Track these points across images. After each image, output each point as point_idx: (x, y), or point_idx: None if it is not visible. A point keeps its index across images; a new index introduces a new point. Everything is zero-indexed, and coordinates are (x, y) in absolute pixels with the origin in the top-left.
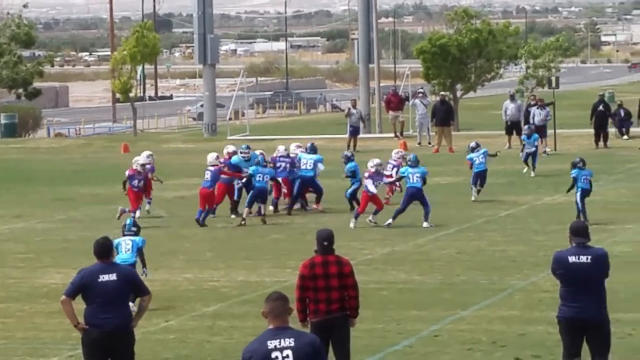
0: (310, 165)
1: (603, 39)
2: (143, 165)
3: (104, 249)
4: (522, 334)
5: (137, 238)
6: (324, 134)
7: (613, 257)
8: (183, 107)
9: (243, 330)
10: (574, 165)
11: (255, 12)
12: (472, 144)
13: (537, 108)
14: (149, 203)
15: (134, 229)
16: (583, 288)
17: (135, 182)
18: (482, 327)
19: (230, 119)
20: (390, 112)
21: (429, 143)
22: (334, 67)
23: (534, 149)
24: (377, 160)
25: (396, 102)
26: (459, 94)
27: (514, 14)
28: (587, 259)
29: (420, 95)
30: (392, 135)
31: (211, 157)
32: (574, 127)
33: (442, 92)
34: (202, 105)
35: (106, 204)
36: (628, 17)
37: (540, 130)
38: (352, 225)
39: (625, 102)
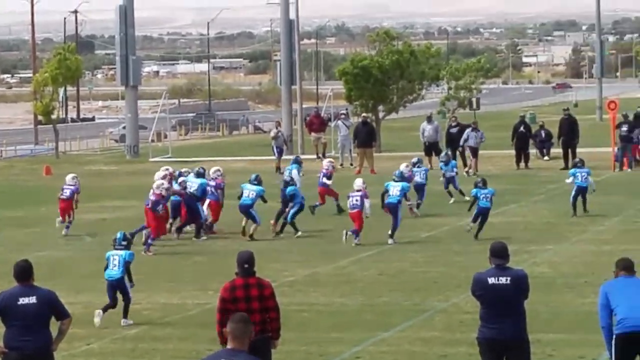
0: (251, 195)
1: (524, 60)
2: (168, 188)
3: (24, 271)
4: (443, 355)
5: (124, 252)
6: (247, 155)
7: (533, 278)
8: (105, 129)
9: (165, 353)
10: (475, 185)
11: (178, 34)
12: (414, 160)
13: (472, 130)
14: (68, 227)
15: (124, 243)
16: (503, 309)
17: (160, 207)
18: (403, 348)
19: (152, 140)
20: (313, 134)
21: (351, 164)
22: (256, 89)
23: (453, 174)
24: (360, 181)
25: (318, 123)
26: (380, 115)
27: (436, 35)
28: (506, 280)
29: (343, 116)
30: (314, 156)
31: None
32: (496, 148)
33: (364, 114)
34: (124, 127)
35: (28, 227)
36: (549, 38)
37: (474, 152)
38: (356, 242)
39: (546, 123)
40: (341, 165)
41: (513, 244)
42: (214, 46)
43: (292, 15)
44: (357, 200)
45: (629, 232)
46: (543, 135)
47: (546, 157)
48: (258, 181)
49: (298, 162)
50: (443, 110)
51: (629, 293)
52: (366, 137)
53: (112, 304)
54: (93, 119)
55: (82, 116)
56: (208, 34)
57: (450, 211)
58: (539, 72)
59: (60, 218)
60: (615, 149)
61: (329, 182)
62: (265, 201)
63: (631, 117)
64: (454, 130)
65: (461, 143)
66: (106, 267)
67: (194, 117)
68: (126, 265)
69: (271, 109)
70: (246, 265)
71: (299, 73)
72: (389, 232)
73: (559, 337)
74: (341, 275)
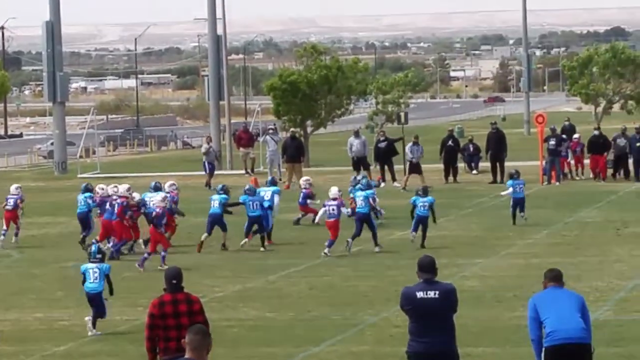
0: (215, 205)
1: (452, 74)
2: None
3: None
4: None
5: (103, 265)
6: (176, 171)
7: (463, 291)
8: (33, 146)
9: None
10: (416, 193)
11: (105, 50)
12: (358, 177)
13: (413, 144)
14: (17, 234)
15: (98, 255)
16: (431, 323)
17: (130, 212)
18: None
19: (80, 156)
20: (241, 149)
21: (280, 179)
22: (184, 104)
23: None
24: (336, 189)
25: (247, 138)
26: (309, 130)
27: (364, 50)
28: (434, 294)
29: (271, 131)
30: (243, 171)
31: (122, 188)
32: (424, 162)
33: (292, 129)
34: (52, 144)
35: None
36: (476, 52)
37: (416, 166)
38: (326, 251)
39: (474, 137)
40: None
41: (442, 257)
42: (142, 62)
43: (219, 31)
44: (333, 210)
45: (557, 246)
46: (471, 149)
47: (475, 171)
48: (224, 191)
49: (275, 183)
50: (371, 124)
51: (558, 305)
52: (294, 152)
53: (100, 314)
54: (21, 135)
55: (9, 133)
56: (136, 50)
57: (380, 226)
58: (466, 86)
59: (5, 228)
60: (543, 162)
61: (310, 200)
62: (229, 212)
63: (559, 131)
64: (382, 144)
65: (408, 158)
66: (84, 281)
67: (122, 133)
68: (107, 278)
69: (200, 124)
70: (174, 281)
71: (227, 88)
72: (373, 241)
73: (488, 351)
74: (271, 290)
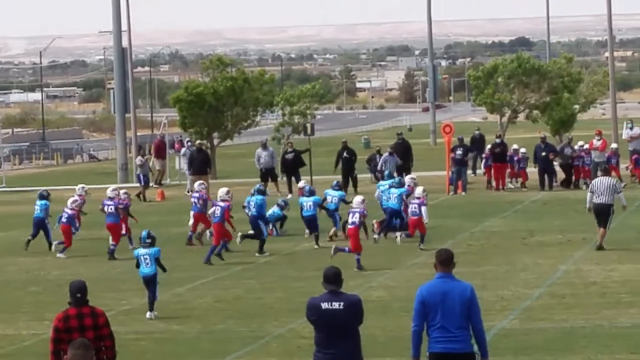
0: (310, 207)
1: (358, 85)
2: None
3: None
4: None
5: (152, 249)
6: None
7: (370, 302)
8: None
9: None
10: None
11: (10, 63)
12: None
13: (389, 154)
14: None
15: (148, 240)
16: (337, 334)
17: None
18: None
19: None
20: (159, 160)
21: (189, 191)
22: (90, 117)
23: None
24: (360, 198)
25: (164, 149)
26: (215, 142)
27: (270, 62)
28: (339, 305)
29: (189, 144)
30: (153, 182)
31: (221, 192)
32: (332, 173)
33: (198, 141)
34: None
35: None
36: (382, 63)
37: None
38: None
39: (381, 148)
40: (189, 191)
41: (349, 268)
42: (47, 75)
43: (124, 44)
44: (356, 218)
45: (464, 255)
46: (378, 159)
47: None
48: (260, 192)
49: (263, 192)
50: (278, 136)
51: (444, 306)
52: (201, 164)
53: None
54: None
55: None
56: (41, 63)
57: (286, 237)
58: (373, 97)
59: None
60: (450, 172)
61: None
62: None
63: (467, 141)
64: (289, 156)
65: (378, 168)
66: (138, 265)
67: (28, 147)
68: (157, 262)
69: (106, 137)
70: (79, 295)
71: (133, 101)
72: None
73: None
74: (178, 303)
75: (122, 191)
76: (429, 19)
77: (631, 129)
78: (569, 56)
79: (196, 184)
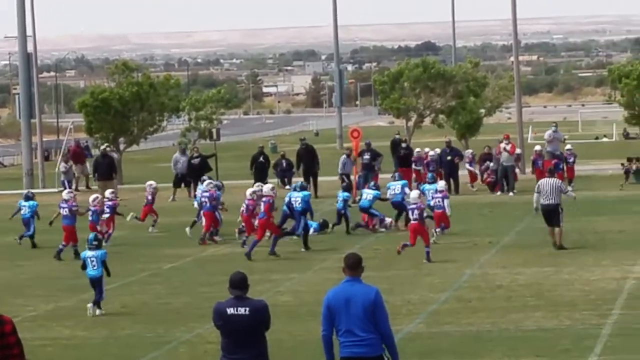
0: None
1: (265, 90)
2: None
3: None
4: None
5: (99, 252)
6: None
7: (277, 306)
8: None
9: None
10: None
11: None
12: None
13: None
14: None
15: (95, 243)
16: (242, 339)
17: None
18: None
19: None
20: (79, 165)
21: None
22: None
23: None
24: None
25: (80, 154)
26: (122, 147)
27: (176, 67)
28: (245, 310)
29: (108, 149)
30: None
31: (266, 188)
32: (238, 178)
33: (102, 146)
34: None
35: None
36: (289, 68)
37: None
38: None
39: (287, 153)
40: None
41: (255, 273)
42: None
43: (30, 49)
44: (417, 214)
45: (370, 260)
46: (284, 164)
47: (287, 186)
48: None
49: (305, 188)
50: (184, 141)
51: (349, 311)
52: (106, 169)
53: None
54: None
55: None
56: None
57: (194, 242)
58: (279, 102)
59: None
60: (357, 177)
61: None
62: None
63: (386, 146)
64: (195, 161)
65: (339, 171)
66: (84, 267)
67: None
68: (104, 264)
69: (12, 142)
70: None
71: (39, 106)
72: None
73: None
74: (84, 309)
75: (108, 191)
76: (335, 23)
77: (555, 131)
78: (474, 60)
79: (107, 192)
